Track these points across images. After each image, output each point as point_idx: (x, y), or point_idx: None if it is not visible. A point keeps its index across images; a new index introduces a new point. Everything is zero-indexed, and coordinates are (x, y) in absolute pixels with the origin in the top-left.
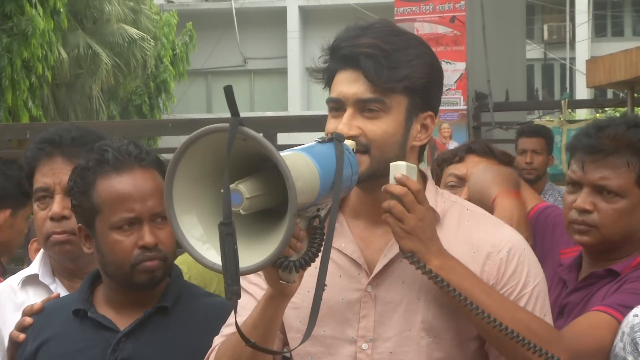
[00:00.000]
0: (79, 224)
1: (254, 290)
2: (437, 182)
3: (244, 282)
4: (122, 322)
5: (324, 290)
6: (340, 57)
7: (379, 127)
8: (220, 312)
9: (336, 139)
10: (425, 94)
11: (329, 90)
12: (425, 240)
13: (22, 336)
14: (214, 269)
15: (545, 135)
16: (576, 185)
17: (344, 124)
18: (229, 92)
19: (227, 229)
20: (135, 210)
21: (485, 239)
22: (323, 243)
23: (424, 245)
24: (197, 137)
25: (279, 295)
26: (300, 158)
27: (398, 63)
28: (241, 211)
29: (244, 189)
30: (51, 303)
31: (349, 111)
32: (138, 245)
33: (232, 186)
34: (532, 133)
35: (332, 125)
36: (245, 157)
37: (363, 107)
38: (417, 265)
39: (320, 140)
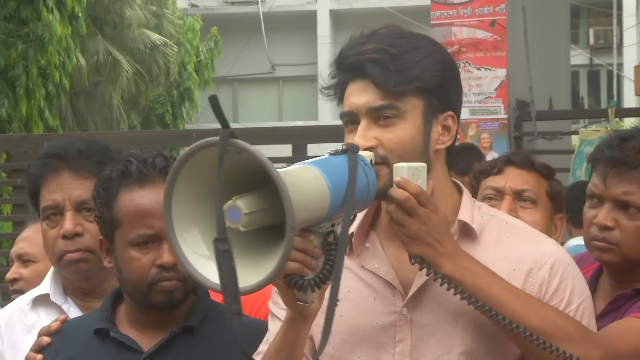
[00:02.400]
0: (101, 237)
1: (284, 315)
2: (474, 195)
3: (274, 307)
4: (146, 343)
5: (336, 305)
6: (347, 68)
7: (396, 135)
8: (248, 333)
9: (350, 149)
10: (441, 93)
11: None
12: (433, 243)
13: (39, 357)
14: (217, 290)
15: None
16: (597, 199)
17: (359, 136)
18: (214, 102)
19: (222, 244)
20: (154, 227)
21: (525, 255)
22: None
23: (432, 248)
24: (190, 154)
25: (298, 317)
26: (307, 171)
27: (406, 65)
28: (241, 228)
29: (242, 205)
30: (70, 322)
31: (363, 122)
32: (156, 264)
33: (229, 202)
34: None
35: (349, 141)
36: (248, 171)
37: (377, 116)
38: (427, 270)
39: (332, 152)
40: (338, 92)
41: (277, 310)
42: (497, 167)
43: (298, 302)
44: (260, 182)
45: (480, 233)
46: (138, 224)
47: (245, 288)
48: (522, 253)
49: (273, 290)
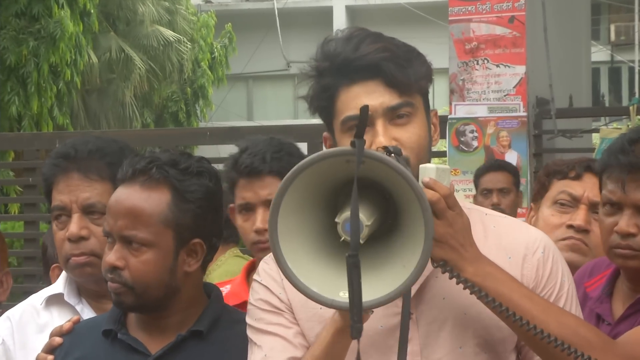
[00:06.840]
0: None
1: (277, 330)
2: (542, 192)
3: (261, 324)
4: (154, 346)
5: (410, 318)
6: (353, 70)
7: (414, 133)
8: None
9: (395, 153)
10: (427, 90)
11: (329, 113)
12: (457, 246)
13: (50, 358)
14: (333, 306)
15: (510, 169)
16: (615, 206)
17: (382, 137)
18: (364, 112)
19: (355, 260)
20: (109, 224)
21: (517, 242)
22: None
23: (456, 252)
24: (306, 166)
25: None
26: None
27: (409, 62)
28: (360, 240)
29: (363, 217)
30: (82, 323)
31: (379, 123)
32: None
33: (346, 214)
34: (498, 167)
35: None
36: (335, 181)
37: (392, 116)
38: (450, 274)
39: None
40: (324, 97)
41: (266, 325)
42: (575, 172)
43: None
44: (336, 191)
45: None
46: (106, 219)
47: (373, 302)
48: (512, 241)
49: (251, 306)
